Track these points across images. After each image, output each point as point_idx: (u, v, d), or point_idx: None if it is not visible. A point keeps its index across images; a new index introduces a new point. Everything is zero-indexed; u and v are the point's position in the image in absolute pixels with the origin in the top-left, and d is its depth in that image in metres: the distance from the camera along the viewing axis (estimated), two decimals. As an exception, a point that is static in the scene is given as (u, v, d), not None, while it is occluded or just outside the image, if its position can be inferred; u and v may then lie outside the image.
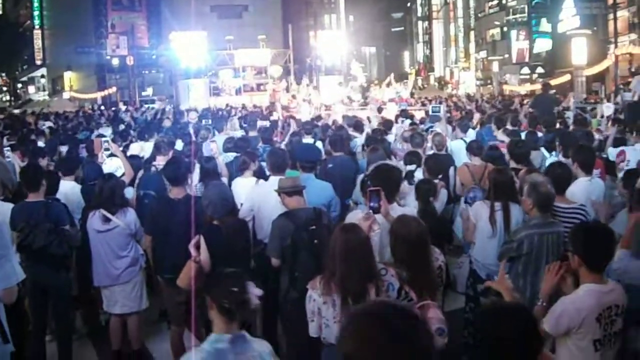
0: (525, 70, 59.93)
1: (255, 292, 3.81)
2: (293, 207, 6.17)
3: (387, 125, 13.08)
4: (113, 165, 9.58)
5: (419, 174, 8.14)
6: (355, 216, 5.80)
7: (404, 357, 1.92)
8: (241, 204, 7.25)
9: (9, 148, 11.17)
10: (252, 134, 12.64)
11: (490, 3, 74.25)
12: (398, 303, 3.16)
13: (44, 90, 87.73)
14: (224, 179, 8.68)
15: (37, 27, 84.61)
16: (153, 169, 8.98)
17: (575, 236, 4.23)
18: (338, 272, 4.37)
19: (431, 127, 13.49)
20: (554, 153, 9.64)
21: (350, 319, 2.11)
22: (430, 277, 4.68)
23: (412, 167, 8.29)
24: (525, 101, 26.07)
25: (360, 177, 7.92)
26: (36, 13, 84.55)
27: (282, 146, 11.00)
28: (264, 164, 8.52)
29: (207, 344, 3.69)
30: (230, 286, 3.76)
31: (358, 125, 13.07)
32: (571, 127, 13.09)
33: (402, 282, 4.55)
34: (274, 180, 7.05)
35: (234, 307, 3.71)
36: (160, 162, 8.97)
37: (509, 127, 12.78)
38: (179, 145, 11.77)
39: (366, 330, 1.98)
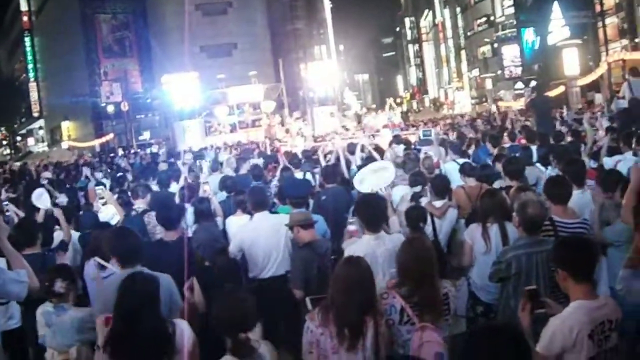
0: (519, 85, 60.13)
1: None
2: (309, 239, 6.24)
3: (379, 152, 13.05)
4: (109, 212, 9.58)
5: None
6: (351, 245, 5.86)
7: None
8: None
9: (7, 203, 11.19)
10: (243, 171, 12.68)
11: (478, 21, 74.79)
12: None
13: (43, 141, 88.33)
14: (219, 219, 8.71)
15: (32, 79, 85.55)
16: (133, 212, 9.00)
17: (556, 251, 4.25)
18: (336, 303, 4.37)
19: (419, 150, 13.50)
20: (549, 167, 9.63)
21: None
22: (436, 299, 4.67)
23: (417, 188, 8.32)
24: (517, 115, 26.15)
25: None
26: (30, 66, 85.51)
27: (275, 182, 11.02)
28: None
29: (40, 308, 5.60)
30: (51, 279, 5.56)
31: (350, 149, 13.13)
32: (568, 139, 13.05)
33: (405, 302, 4.57)
34: (259, 217, 7.23)
35: (57, 290, 5.55)
36: (140, 205, 9.05)
37: (506, 145, 12.82)
38: (174, 187, 11.74)
39: None
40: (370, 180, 8.36)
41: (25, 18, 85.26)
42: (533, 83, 53.18)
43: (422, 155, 11.34)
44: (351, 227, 6.43)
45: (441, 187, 8.20)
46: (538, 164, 10.17)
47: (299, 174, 11.42)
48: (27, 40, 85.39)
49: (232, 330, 4.15)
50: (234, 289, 4.57)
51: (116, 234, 5.63)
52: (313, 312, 4.55)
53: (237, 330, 4.15)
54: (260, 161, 14.80)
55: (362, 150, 12.66)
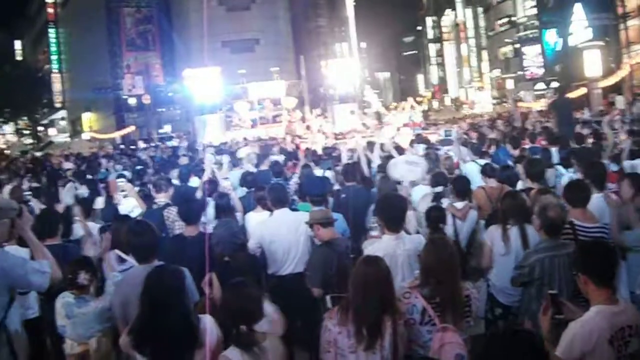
0: (540, 85, 59.72)
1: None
2: (329, 237, 6.27)
3: (399, 151, 13.01)
4: (129, 205, 9.62)
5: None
6: (371, 244, 5.87)
7: None
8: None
9: (29, 192, 11.25)
10: (264, 167, 12.68)
11: (500, 21, 74.35)
12: None
13: (64, 132, 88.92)
14: (239, 214, 8.73)
15: (55, 70, 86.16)
16: (154, 206, 9.02)
17: (576, 256, 4.25)
18: (354, 302, 4.39)
19: (438, 149, 13.49)
20: (570, 170, 9.58)
21: None
22: (458, 300, 4.67)
23: (439, 188, 8.32)
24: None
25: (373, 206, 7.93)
26: (54, 57, 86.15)
27: (295, 179, 11.01)
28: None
29: (60, 299, 5.65)
30: (75, 271, 5.69)
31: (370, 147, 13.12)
32: (590, 141, 12.96)
33: (427, 302, 4.59)
34: (279, 214, 7.28)
35: (80, 282, 5.67)
36: (161, 199, 9.04)
37: (526, 146, 12.75)
38: (195, 181, 11.77)
39: None
40: (401, 169, 8.40)
41: (50, 9, 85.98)
42: (554, 84, 52.87)
43: (442, 155, 11.32)
44: (374, 233, 6.44)
45: (462, 188, 8.20)
46: (559, 166, 10.12)
47: (318, 172, 11.42)
48: (51, 31, 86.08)
49: (236, 321, 4.22)
50: (242, 282, 4.58)
51: (132, 230, 5.63)
52: (332, 311, 4.57)
53: (240, 322, 4.20)
54: (280, 158, 14.79)
55: (382, 149, 12.61)
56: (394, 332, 4.35)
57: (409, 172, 8.42)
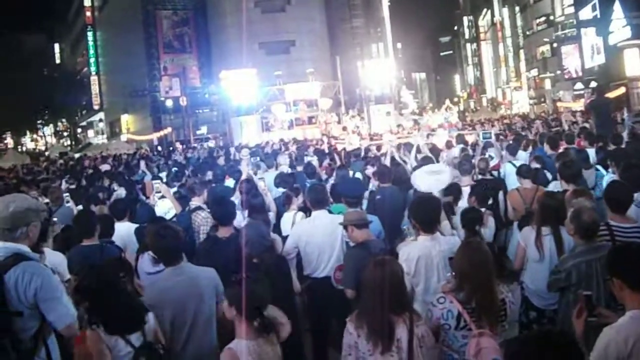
0: (579, 85, 58.85)
1: None
2: (363, 239, 6.24)
3: (435, 152, 12.95)
4: (165, 206, 9.67)
5: (463, 204, 8.14)
6: (406, 246, 5.85)
7: None
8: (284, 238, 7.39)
9: (67, 194, 11.38)
10: (300, 169, 12.68)
11: (538, 20, 73.46)
12: None
13: (102, 133, 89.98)
14: (271, 214, 8.75)
15: (93, 73, 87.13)
16: (187, 208, 9.06)
17: (609, 260, 4.07)
18: (367, 307, 4.40)
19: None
20: (610, 170, 9.42)
21: None
22: (493, 305, 4.60)
23: (449, 198, 8.23)
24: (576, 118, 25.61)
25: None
26: (92, 60, 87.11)
27: (331, 181, 10.99)
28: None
29: None
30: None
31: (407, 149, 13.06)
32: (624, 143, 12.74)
33: (462, 307, 4.55)
34: (317, 215, 7.26)
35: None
36: (196, 202, 9.04)
37: (563, 147, 12.60)
38: (230, 182, 11.82)
39: None
40: (427, 181, 8.35)
41: (88, 13, 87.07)
42: (593, 84, 52.06)
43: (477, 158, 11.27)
44: (410, 239, 6.40)
45: (482, 195, 8.13)
46: (599, 166, 9.98)
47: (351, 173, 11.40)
48: (89, 35, 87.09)
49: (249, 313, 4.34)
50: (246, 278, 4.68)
51: (155, 233, 5.65)
52: (352, 315, 4.55)
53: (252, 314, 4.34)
54: (315, 159, 14.79)
55: (419, 152, 12.54)
56: (410, 333, 4.31)
57: (436, 183, 8.36)
